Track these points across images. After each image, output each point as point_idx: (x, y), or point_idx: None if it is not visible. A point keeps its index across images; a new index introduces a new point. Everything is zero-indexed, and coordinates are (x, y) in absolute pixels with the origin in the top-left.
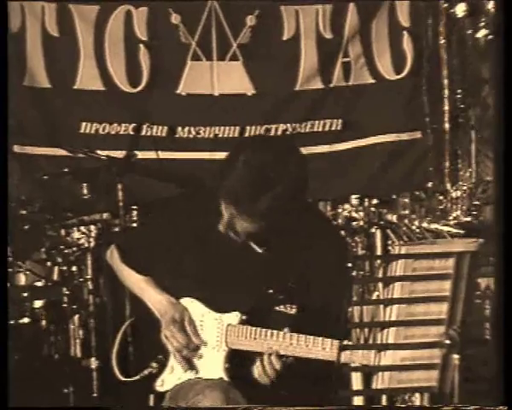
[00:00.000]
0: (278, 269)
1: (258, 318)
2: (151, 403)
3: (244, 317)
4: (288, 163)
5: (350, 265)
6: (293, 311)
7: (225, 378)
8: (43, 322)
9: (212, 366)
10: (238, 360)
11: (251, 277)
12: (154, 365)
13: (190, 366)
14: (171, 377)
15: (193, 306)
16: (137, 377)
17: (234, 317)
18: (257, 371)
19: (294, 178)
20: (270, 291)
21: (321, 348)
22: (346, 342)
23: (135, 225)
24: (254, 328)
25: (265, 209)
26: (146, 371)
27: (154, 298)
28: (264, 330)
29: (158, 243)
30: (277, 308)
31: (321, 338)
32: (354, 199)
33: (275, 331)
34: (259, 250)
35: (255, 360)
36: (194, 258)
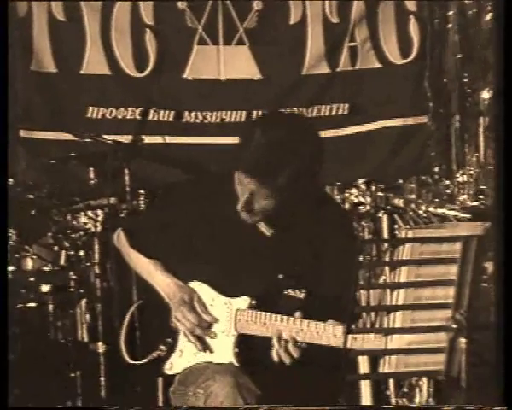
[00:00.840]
0: (288, 254)
1: (267, 303)
2: (160, 386)
3: (254, 302)
4: (305, 142)
5: (357, 249)
6: (302, 295)
7: (235, 363)
8: (50, 306)
9: (222, 350)
10: (248, 345)
11: (260, 261)
12: (163, 348)
13: (204, 345)
14: (181, 360)
15: (202, 289)
16: (146, 361)
17: (243, 301)
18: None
19: (310, 156)
20: (280, 276)
21: (332, 335)
22: (353, 336)
23: (145, 207)
24: (264, 313)
25: (284, 185)
26: (154, 354)
27: (163, 281)
28: (274, 315)
29: (166, 227)
30: (286, 293)
31: (331, 325)
32: (361, 184)
33: (285, 316)
34: (268, 233)
35: (267, 345)
36: (202, 242)
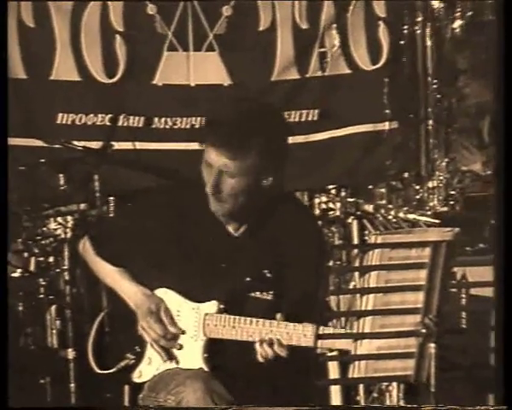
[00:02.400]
0: (254, 257)
1: (236, 306)
2: (127, 395)
3: (222, 306)
4: (272, 120)
5: (327, 254)
6: (269, 296)
7: (205, 368)
8: (20, 313)
9: (191, 355)
10: (217, 349)
11: (227, 265)
12: (130, 356)
13: (169, 356)
14: (150, 368)
15: (168, 296)
16: (114, 370)
17: (212, 306)
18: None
19: (276, 134)
20: (248, 279)
21: (302, 335)
22: (323, 330)
23: (111, 215)
24: (233, 316)
25: (252, 161)
26: (122, 363)
27: (129, 290)
28: (242, 318)
29: (132, 235)
30: (253, 295)
31: (301, 325)
32: (331, 189)
33: (254, 319)
34: (236, 234)
35: (237, 348)
36: (169, 247)
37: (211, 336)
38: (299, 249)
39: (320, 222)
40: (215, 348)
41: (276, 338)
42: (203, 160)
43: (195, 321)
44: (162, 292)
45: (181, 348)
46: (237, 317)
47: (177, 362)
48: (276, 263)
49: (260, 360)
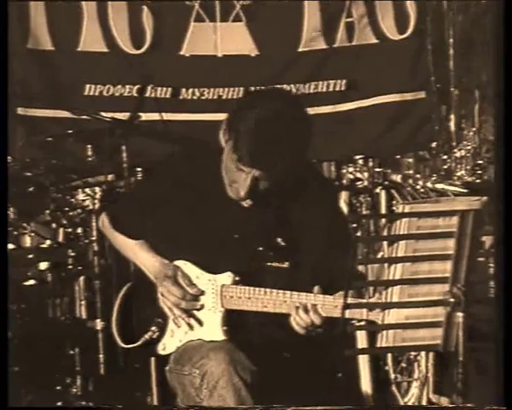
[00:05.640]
0: (267, 226)
1: (251, 277)
2: (153, 367)
3: (237, 277)
4: (295, 119)
5: (354, 224)
6: (286, 265)
7: (226, 340)
8: (49, 284)
9: (212, 327)
10: (235, 320)
11: (240, 235)
12: (154, 328)
13: (192, 318)
14: (173, 340)
15: (186, 268)
16: (139, 343)
17: (227, 277)
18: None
19: (301, 135)
20: (260, 249)
21: (321, 304)
22: (350, 300)
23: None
24: (248, 287)
25: (281, 167)
26: (146, 336)
27: (148, 261)
28: (257, 289)
29: (149, 207)
30: (269, 264)
31: (321, 296)
32: (358, 159)
33: (268, 289)
34: (246, 205)
35: (254, 319)
36: (184, 220)
37: (228, 308)
38: (313, 215)
39: (347, 192)
40: (233, 319)
41: (311, 304)
42: (231, 163)
43: (213, 293)
44: (181, 263)
45: (202, 308)
46: (252, 288)
47: (201, 324)
48: (288, 230)
49: (296, 328)
